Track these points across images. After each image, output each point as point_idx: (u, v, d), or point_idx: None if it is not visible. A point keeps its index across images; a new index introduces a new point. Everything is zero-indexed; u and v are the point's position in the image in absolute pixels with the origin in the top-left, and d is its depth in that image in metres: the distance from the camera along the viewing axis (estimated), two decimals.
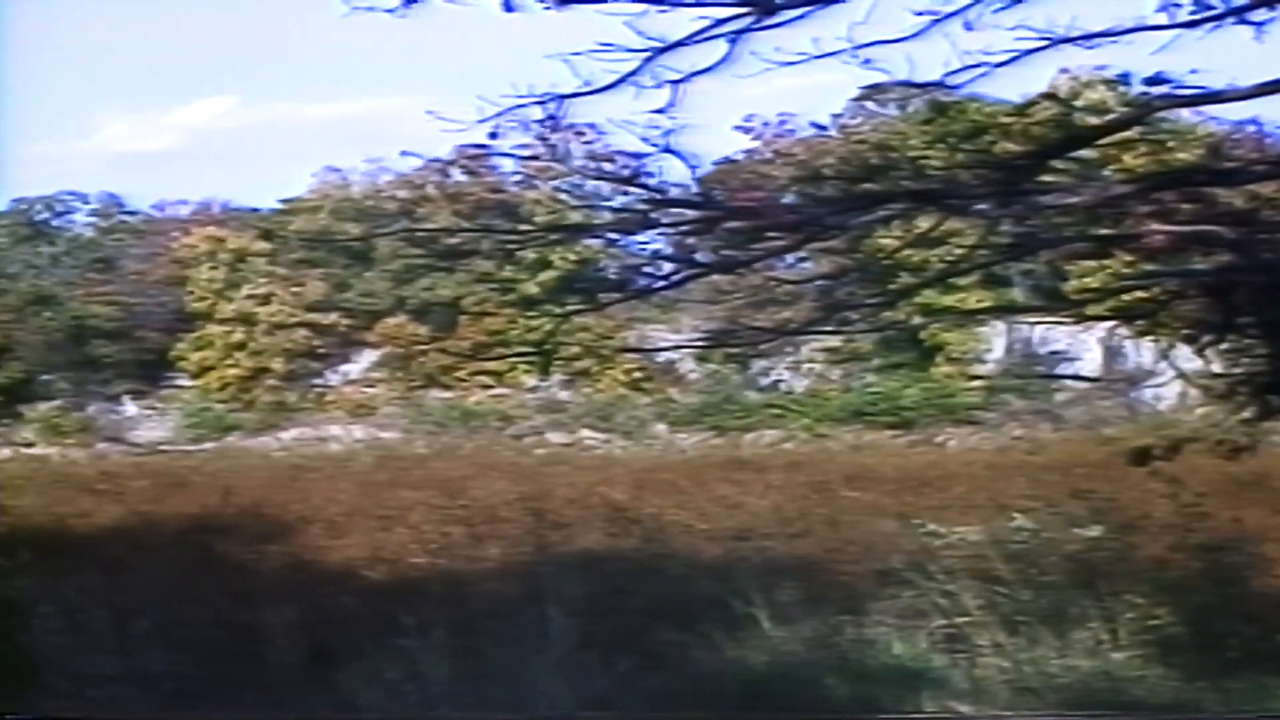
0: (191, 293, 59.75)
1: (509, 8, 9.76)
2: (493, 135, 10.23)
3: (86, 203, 65.22)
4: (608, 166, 11.63)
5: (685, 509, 28.95)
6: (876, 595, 15.76)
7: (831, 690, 12.79)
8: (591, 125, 11.19)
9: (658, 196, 10.00)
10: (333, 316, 59.33)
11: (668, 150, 9.78)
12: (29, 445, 55.47)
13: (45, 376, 58.59)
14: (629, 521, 27.93)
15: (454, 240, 53.89)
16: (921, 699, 12.77)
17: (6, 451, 54.26)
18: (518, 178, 56.00)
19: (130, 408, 59.16)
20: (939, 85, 10.32)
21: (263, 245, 60.22)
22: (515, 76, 9.97)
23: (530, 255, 52.83)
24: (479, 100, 9.88)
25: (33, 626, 16.14)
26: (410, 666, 13.84)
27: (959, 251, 11.95)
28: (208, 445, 54.72)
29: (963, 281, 32.93)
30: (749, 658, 13.98)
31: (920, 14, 9.68)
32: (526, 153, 11.55)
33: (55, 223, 64.93)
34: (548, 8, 9.81)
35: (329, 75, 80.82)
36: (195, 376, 59.16)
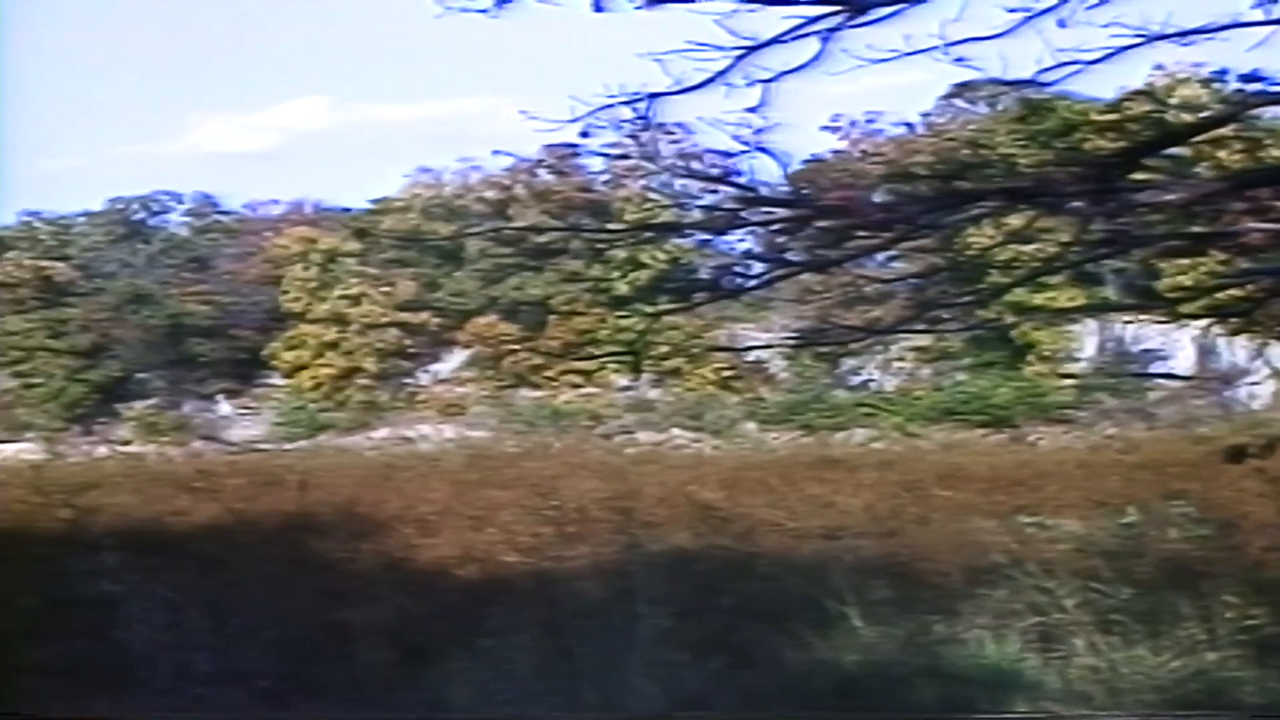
0: (284, 292, 60.23)
1: (598, 8, 9.77)
2: (584, 134, 10.22)
3: (181, 202, 66.03)
4: (696, 165, 11.60)
5: (776, 508, 28.83)
6: (969, 595, 15.66)
7: (923, 690, 12.73)
8: (680, 124, 11.17)
9: (748, 195, 9.98)
10: (423, 316, 59.65)
11: (759, 149, 9.75)
12: (126, 443, 56.16)
13: (142, 375, 59.24)
14: (719, 520, 27.88)
15: (543, 239, 54.11)
16: (1014, 699, 12.69)
17: (104, 449, 54.95)
18: (606, 177, 56.19)
19: (225, 406, 59.75)
20: (1031, 83, 10.24)
21: (354, 245, 60.60)
22: (605, 76, 9.98)
23: (620, 254, 52.96)
24: (571, 100, 9.89)
25: (130, 624, 16.32)
26: (501, 666, 13.88)
27: (1051, 249, 11.84)
28: (301, 444, 55.14)
29: (1054, 280, 32.72)
30: (840, 657, 13.93)
31: (1013, 10, 9.61)
32: (616, 152, 11.57)
33: (151, 222, 65.68)
34: (638, 7, 9.82)
35: (420, 76, 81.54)
36: (288, 376, 59.66)
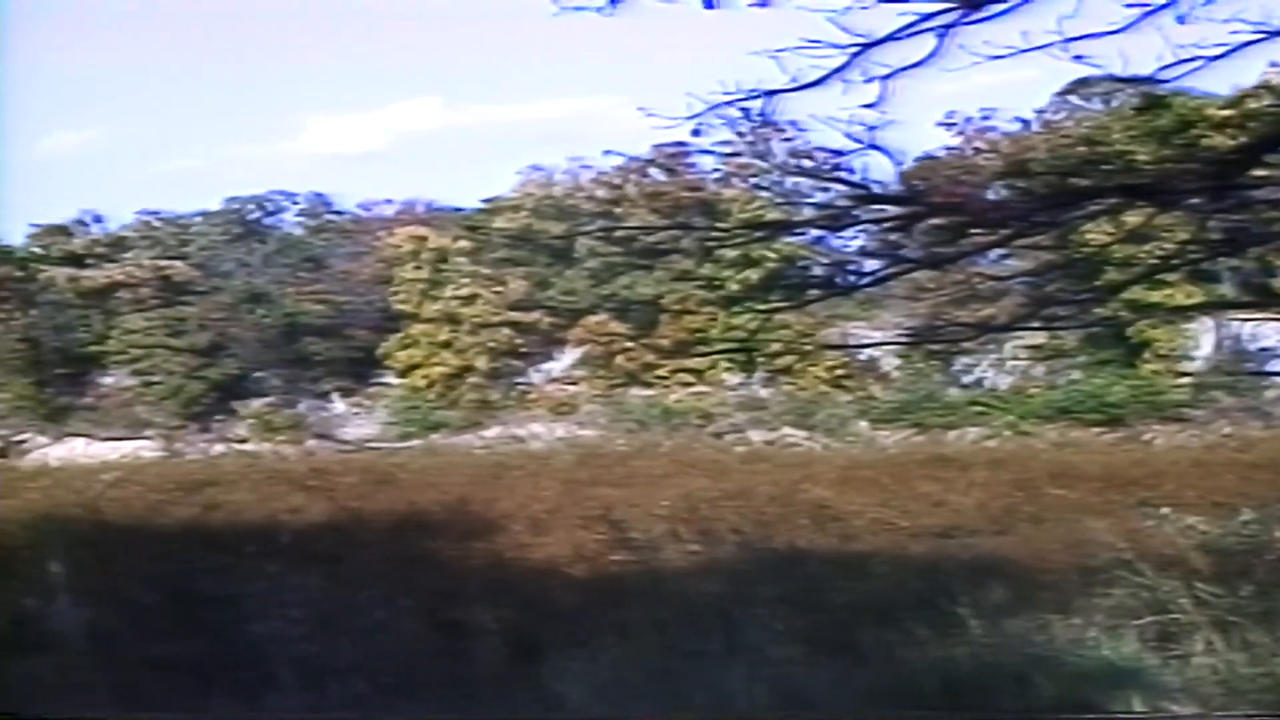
0: (397, 292, 60.62)
1: (710, 5, 9.78)
2: (696, 132, 10.25)
3: (295, 202, 66.53)
4: (807, 163, 11.57)
5: (888, 506, 28.75)
6: (1084, 593, 15.52)
7: (1039, 690, 12.62)
8: (791, 122, 11.14)
9: (862, 193, 9.95)
10: (535, 315, 59.81)
11: (874, 146, 9.73)
12: (242, 441, 56.76)
13: (258, 373, 59.83)
14: (831, 519, 27.85)
15: (653, 238, 54.13)
16: (1130, 699, 12.56)
17: (221, 447, 55.60)
18: (717, 175, 56.14)
19: (339, 405, 60.21)
20: (1148, 79, 10.14)
21: (465, 244, 60.89)
22: (716, 74, 9.98)
23: (731, 253, 52.91)
24: (687, 98, 9.90)
25: (247, 621, 16.51)
26: (613, 664, 13.90)
27: (1168, 247, 11.74)
28: (414, 442, 55.49)
29: (1171, 277, 32.34)
30: (954, 656, 13.84)
31: (1131, 6, 9.53)
32: (728, 150, 11.56)
33: (266, 222, 66.26)
34: (752, 4, 9.82)
35: (531, 76, 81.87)
36: (402, 375, 60.04)
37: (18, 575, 18.61)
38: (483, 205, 62.66)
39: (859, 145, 9.74)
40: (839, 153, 10.16)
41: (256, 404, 59.31)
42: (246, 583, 18.95)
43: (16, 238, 63.23)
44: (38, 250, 62.97)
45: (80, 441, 56.96)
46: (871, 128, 9.71)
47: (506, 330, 59.65)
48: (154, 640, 15.89)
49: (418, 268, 60.68)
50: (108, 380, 60.26)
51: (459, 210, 63.57)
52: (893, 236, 11.34)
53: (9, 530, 25.36)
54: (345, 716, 14.12)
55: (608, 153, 58.74)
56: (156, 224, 64.59)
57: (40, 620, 15.89)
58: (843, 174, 10.08)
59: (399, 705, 14.68)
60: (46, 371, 58.96)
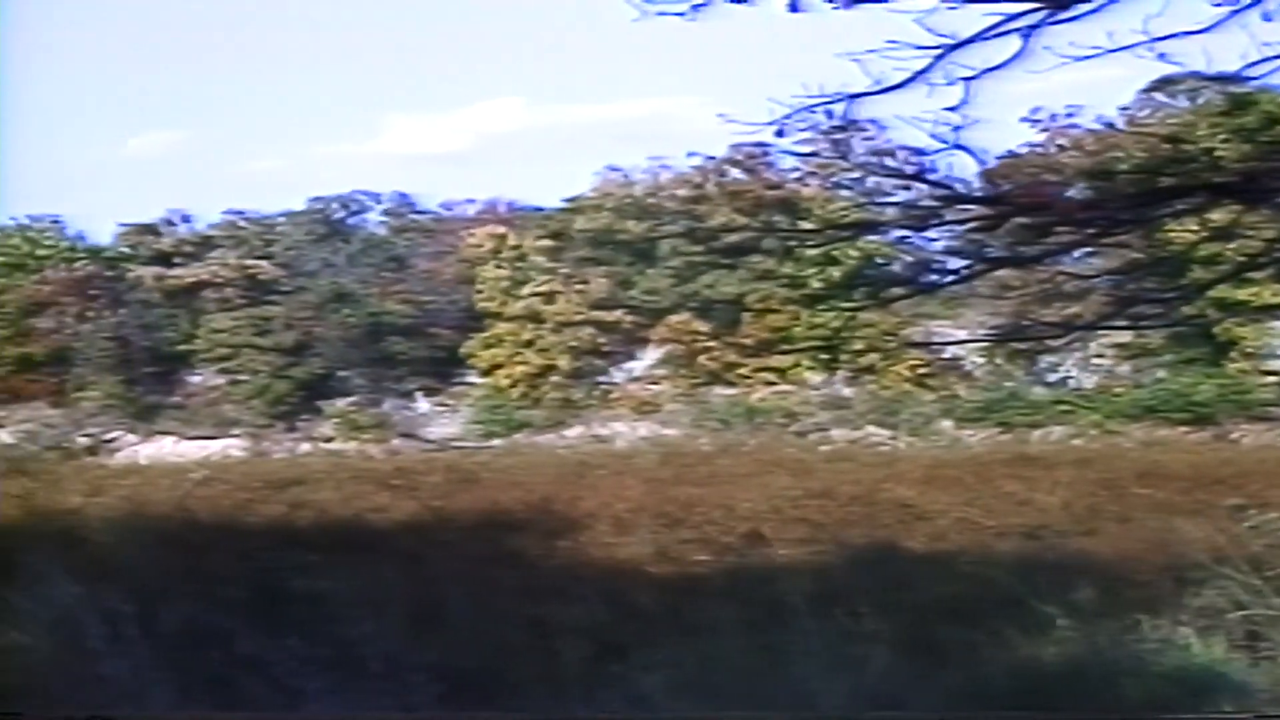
0: (479, 291, 60.85)
1: (795, 8, 9.79)
2: (779, 134, 10.24)
3: (379, 202, 66.85)
4: (889, 162, 11.56)
5: (972, 506, 28.66)
6: (1172, 593, 15.43)
7: (1127, 690, 12.56)
8: (873, 121, 11.13)
9: (947, 192, 9.94)
10: (617, 314, 59.87)
11: (959, 146, 9.71)
12: (328, 440, 57.14)
13: (343, 373, 60.20)
14: (915, 518, 27.79)
15: (735, 237, 54.13)
16: (1220, 699, 12.49)
17: (306, 446, 56.00)
18: (797, 175, 56.05)
19: (423, 404, 60.49)
20: (1235, 77, 10.08)
21: (547, 243, 61.05)
22: (797, 76, 9.99)
23: (813, 251, 52.79)
24: (768, 101, 9.92)
25: (334, 619, 16.63)
26: (697, 663, 13.92)
27: (1254, 245, 11.64)
28: (497, 442, 55.69)
29: (1257, 275, 32.03)
30: (1040, 656, 13.80)
31: (1217, 5, 9.47)
32: (808, 150, 11.56)
33: (350, 221, 66.61)
34: (836, 7, 9.82)
35: (612, 77, 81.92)
36: (485, 374, 60.24)
37: (108, 573, 18.81)
38: (564, 205, 62.78)
39: (944, 145, 9.73)
40: (921, 151, 10.16)
41: (341, 403, 59.67)
42: (333, 581, 19.08)
43: (106, 237, 64.10)
44: (126, 249, 63.67)
45: (169, 440, 57.51)
46: (958, 128, 9.69)
47: (588, 329, 59.74)
48: (242, 638, 16.02)
49: (499, 267, 60.89)
50: (195, 379, 60.81)
51: (540, 210, 63.72)
52: (977, 235, 11.31)
53: (100, 528, 25.69)
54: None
55: (692, 154, 58.55)
56: (242, 224, 65.10)
57: (129, 618, 16.03)
58: (927, 174, 10.06)
59: (482, 705, 14.76)
60: (135, 370, 59.55)
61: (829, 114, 9.95)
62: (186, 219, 65.09)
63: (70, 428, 57.39)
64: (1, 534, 24.48)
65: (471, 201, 66.06)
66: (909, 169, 10.65)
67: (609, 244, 59.81)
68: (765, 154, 54.88)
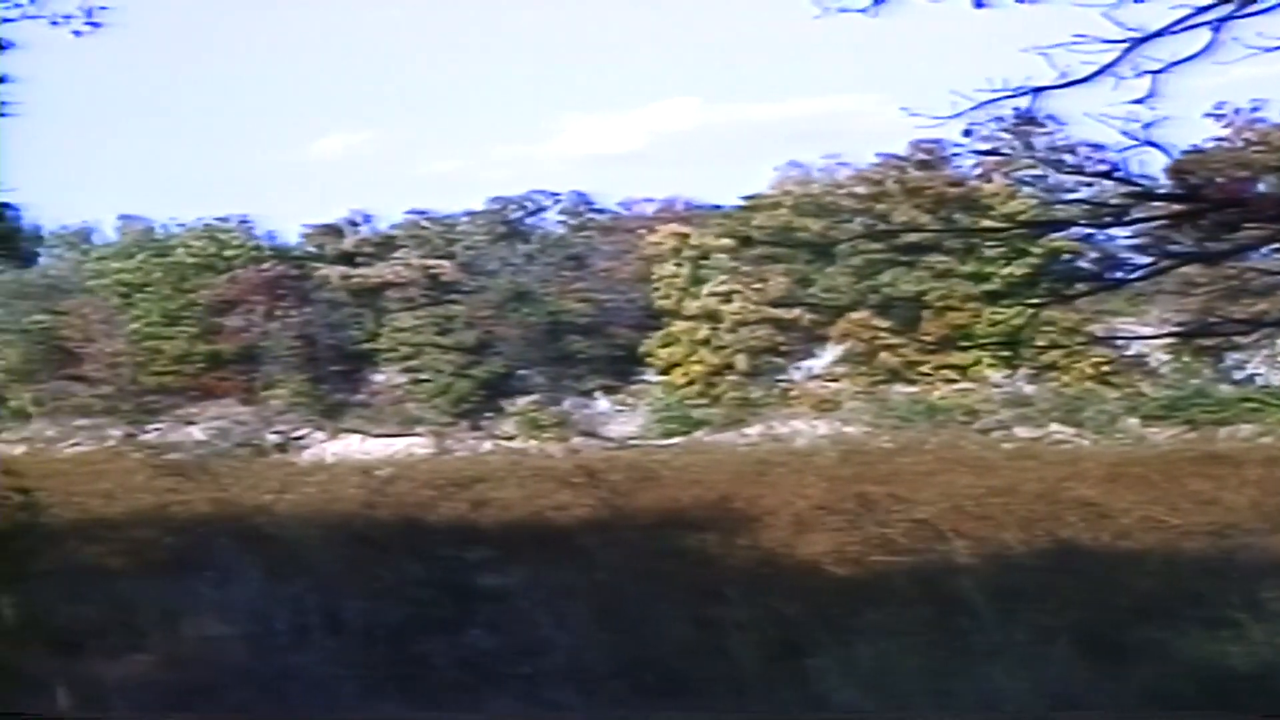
0: (657, 289, 60.99)
1: (980, 4, 9.73)
2: (968, 131, 10.19)
3: (557, 201, 67.27)
4: (1070, 159, 11.41)
5: (1158, 504, 28.21)
6: None
7: None
8: (1050, 116, 10.99)
9: (1137, 188, 9.80)
10: (795, 312, 59.71)
11: (1149, 142, 9.58)
12: (509, 438, 57.62)
13: (523, 371, 60.65)
14: (1099, 517, 27.42)
15: (916, 235, 53.81)
16: None
17: (488, 444, 56.53)
18: (978, 171, 55.51)
19: (602, 402, 60.75)
20: None
21: (725, 242, 61.01)
22: (979, 72, 9.91)
23: (995, 249, 52.34)
24: (952, 94, 9.86)
25: (518, 617, 16.77)
26: (878, 663, 13.85)
27: None
28: (676, 440, 55.79)
29: None
30: (1229, 657, 13.56)
31: None
32: (991, 146, 11.46)
33: (529, 221, 67.10)
34: (1020, 1, 9.74)
35: (788, 75, 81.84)
36: (663, 372, 60.37)
37: (297, 570, 19.15)
38: (741, 203, 62.71)
39: (1134, 141, 9.59)
40: (1102, 146, 10.03)
41: (522, 401, 60.13)
42: (515, 578, 19.25)
43: (291, 237, 65.29)
44: (311, 249, 64.75)
45: (354, 438, 58.39)
46: (1148, 124, 9.56)
47: (766, 327, 59.63)
48: (426, 635, 16.21)
49: (677, 265, 61.00)
50: (379, 377, 61.63)
51: (718, 208, 63.73)
52: (1163, 231, 11.16)
53: (289, 525, 26.17)
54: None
55: (880, 154, 58.10)
56: (424, 224, 65.90)
57: (318, 613, 16.29)
58: (1116, 170, 9.93)
59: (663, 702, 14.79)
60: (322, 368, 60.54)
61: (1016, 110, 9.86)
62: (369, 219, 66.12)
63: (259, 425, 58.50)
64: (196, 529, 25.07)
65: (649, 200, 66.38)
66: (1093, 165, 10.52)
67: (788, 242, 59.61)
68: (946, 150, 54.46)
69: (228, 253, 62.84)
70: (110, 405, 59.59)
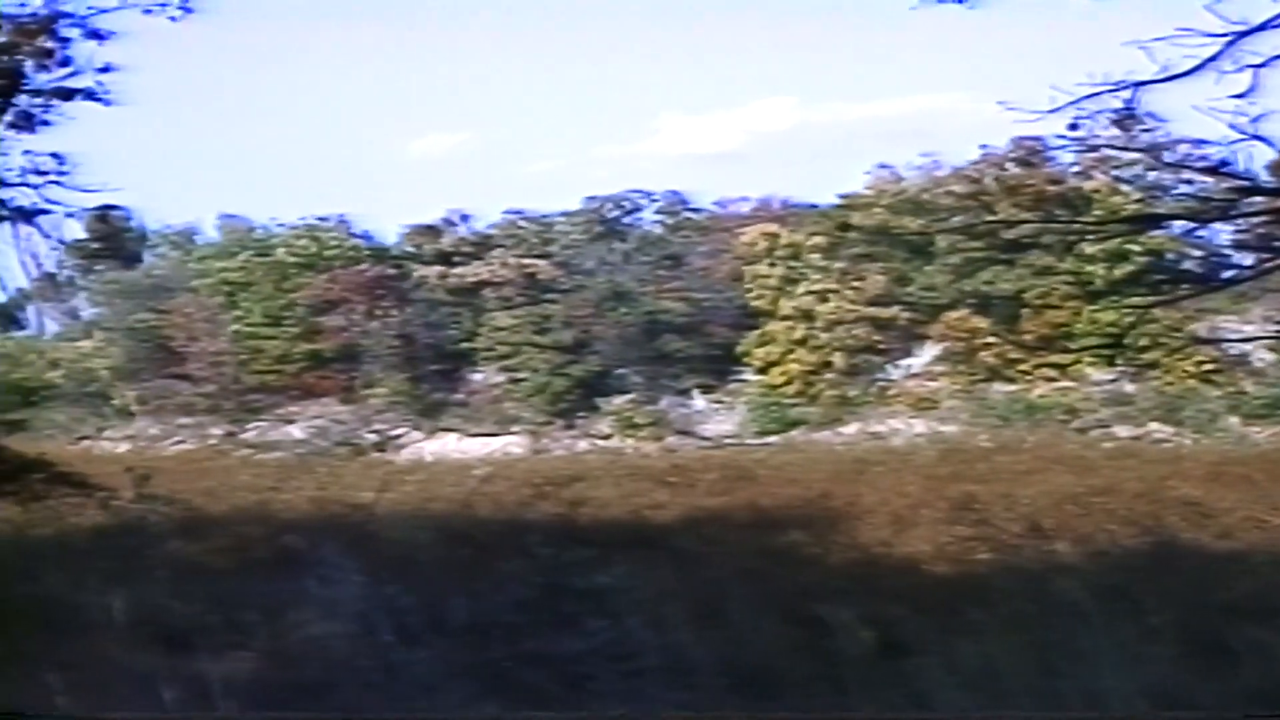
0: (753, 289, 60.88)
1: None
2: (1073, 126, 10.12)
3: (653, 201, 67.20)
4: (1169, 155, 11.31)
5: (1261, 504, 27.97)
6: None
7: None
8: (1149, 113, 10.89)
9: (1245, 184, 9.70)
10: (893, 311, 59.45)
11: (1256, 137, 9.48)
12: (605, 437, 57.70)
13: (620, 370, 60.70)
14: (1201, 516, 27.22)
15: (1015, 232, 53.43)
16: None
17: (584, 443, 56.65)
18: (1076, 168, 55.00)
19: (699, 401, 60.68)
20: None
21: (821, 241, 60.81)
22: (1077, 67, 9.86)
23: (1094, 247, 51.88)
24: (1052, 89, 9.79)
25: (615, 616, 16.84)
26: (979, 662, 13.82)
27: None
28: (773, 439, 55.70)
29: None
30: None
31: None
32: (1091, 142, 11.37)
33: (625, 220, 67.09)
34: None
35: (884, 74, 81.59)
36: (760, 371, 60.22)
37: (398, 569, 19.32)
38: (838, 201, 62.46)
39: (1241, 136, 9.50)
40: (1204, 142, 9.95)
41: (619, 401, 60.12)
42: (614, 577, 19.35)
43: (390, 236, 65.66)
44: (410, 249, 65.07)
45: (452, 437, 58.64)
46: (1255, 119, 9.47)
47: (863, 326, 59.41)
48: (527, 633, 16.32)
49: (773, 264, 60.84)
50: (477, 377, 61.81)
51: (814, 207, 63.49)
52: (1266, 228, 11.05)
53: (390, 524, 26.38)
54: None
55: (982, 147, 57.62)
56: (521, 223, 66.03)
57: (419, 612, 16.44)
58: (1222, 166, 9.83)
59: (764, 700, 14.81)
60: (420, 367, 60.81)
61: (1120, 104, 9.78)
62: (466, 219, 66.28)
63: (358, 424, 58.88)
64: (298, 527, 25.30)
65: (745, 199, 66.16)
66: (1196, 161, 10.44)
67: (885, 240, 59.32)
68: (1045, 147, 54.03)
69: (327, 252, 63.25)
70: (212, 404, 60.15)
